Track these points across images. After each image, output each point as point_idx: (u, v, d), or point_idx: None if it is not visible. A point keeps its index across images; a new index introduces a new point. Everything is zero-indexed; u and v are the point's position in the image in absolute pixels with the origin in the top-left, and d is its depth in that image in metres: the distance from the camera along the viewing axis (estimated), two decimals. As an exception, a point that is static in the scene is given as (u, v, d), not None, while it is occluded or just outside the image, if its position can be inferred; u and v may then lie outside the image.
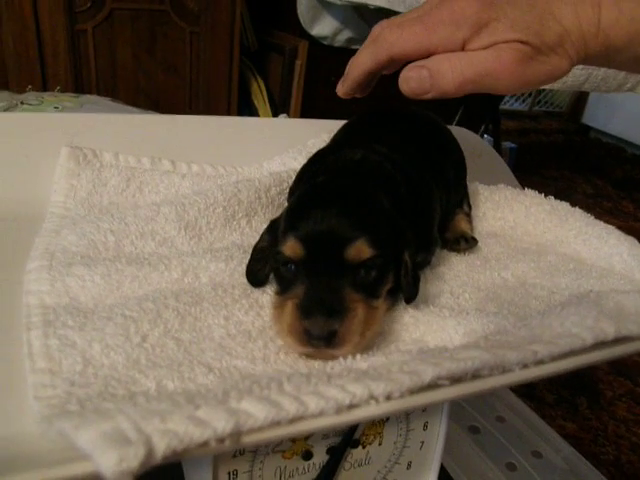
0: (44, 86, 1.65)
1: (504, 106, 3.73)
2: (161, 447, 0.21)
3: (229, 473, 0.46)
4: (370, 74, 0.48)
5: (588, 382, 1.55)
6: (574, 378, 1.55)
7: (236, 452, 0.46)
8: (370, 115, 0.60)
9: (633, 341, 0.33)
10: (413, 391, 0.27)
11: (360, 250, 0.38)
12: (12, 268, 0.44)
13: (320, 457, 0.49)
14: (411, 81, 0.44)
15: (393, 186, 0.47)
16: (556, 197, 0.63)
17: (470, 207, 0.62)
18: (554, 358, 0.30)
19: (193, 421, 0.23)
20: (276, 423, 0.24)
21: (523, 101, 3.81)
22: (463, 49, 0.44)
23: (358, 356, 0.33)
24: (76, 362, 0.33)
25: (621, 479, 1.27)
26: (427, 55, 0.44)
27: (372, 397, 0.26)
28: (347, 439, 0.50)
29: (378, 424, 0.51)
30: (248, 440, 0.24)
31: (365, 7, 1.74)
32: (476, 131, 1.88)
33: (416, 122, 0.60)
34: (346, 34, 2.05)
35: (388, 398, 0.27)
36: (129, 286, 0.43)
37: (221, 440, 0.23)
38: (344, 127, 0.59)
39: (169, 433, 0.22)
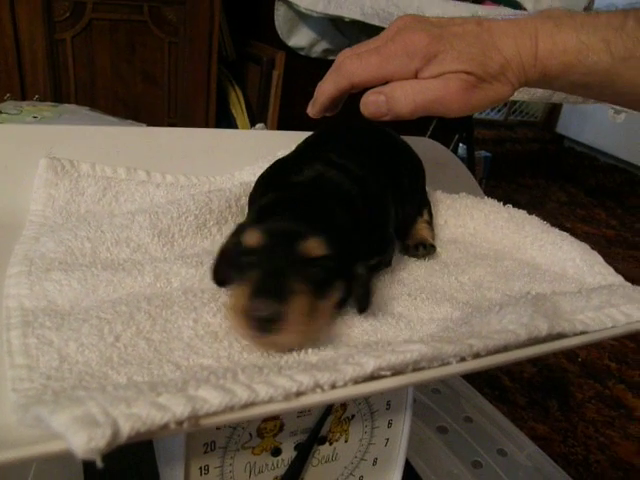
0: (23, 95, 1.65)
1: (480, 116, 3.80)
2: (126, 429, 0.24)
3: (200, 468, 0.48)
4: (334, 99, 0.53)
5: (559, 385, 1.59)
6: (546, 381, 1.59)
7: (207, 448, 0.48)
8: (330, 128, 0.63)
9: (567, 337, 0.37)
10: (357, 381, 0.30)
11: (313, 247, 0.40)
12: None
13: (288, 453, 0.51)
14: (370, 106, 0.50)
15: (349, 198, 0.49)
16: (531, 205, 0.67)
17: (431, 215, 0.65)
18: (490, 352, 0.33)
19: (155, 406, 0.25)
20: (230, 408, 0.27)
21: (499, 111, 3.88)
22: (416, 77, 0.48)
23: (310, 351, 0.36)
24: (53, 359, 0.35)
25: (589, 478, 1.31)
26: (384, 82, 0.49)
27: (318, 386, 0.29)
28: (314, 436, 0.52)
29: (344, 422, 0.53)
30: (204, 423, 0.26)
31: (341, 19, 1.77)
32: (450, 141, 1.93)
33: (372, 135, 0.63)
34: (323, 45, 2.08)
35: (333, 387, 0.29)
36: (104, 290, 0.45)
37: (180, 423, 0.25)
38: (306, 139, 0.62)
39: (133, 416, 0.24)
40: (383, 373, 0.30)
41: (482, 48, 0.47)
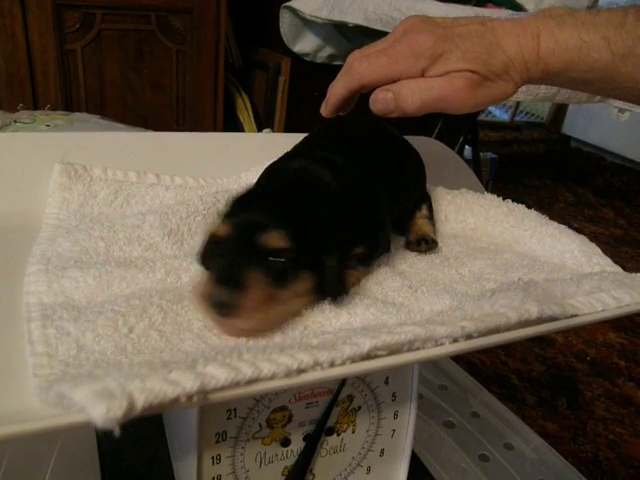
0: (34, 104, 1.68)
1: (486, 117, 3.81)
2: (140, 401, 0.26)
3: (212, 458, 0.50)
4: (346, 99, 0.56)
5: (568, 383, 1.59)
6: (554, 380, 1.59)
7: (219, 438, 0.50)
8: (326, 125, 0.65)
9: (557, 320, 0.38)
10: (354, 360, 0.32)
11: (273, 239, 0.42)
12: (14, 273, 0.48)
13: (297, 444, 0.53)
14: (378, 103, 0.52)
15: (327, 190, 0.51)
16: (538, 206, 0.68)
17: (431, 210, 0.66)
18: (481, 333, 0.35)
19: (167, 381, 0.28)
20: (235, 384, 0.29)
21: (505, 112, 3.88)
22: (423, 76, 0.50)
23: (311, 334, 0.38)
24: (71, 348, 0.37)
25: (599, 475, 1.31)
26: (392, 82, 0.51)
27: (317, 363, 0.31)
28: (322, 427, 0.54)
29: (351, 413, 0.55)
30: (212, 397, 0.29)
31: (345, 25, 1.79)
32: (456, 142, 1.94)
33: (366, 129, 0.65)
34: (327, 51, 2.10)
35: (332, 365, 0.32)
36: (118, 285, 0.47)
37: (190, 397, 0.28)
38: (304, 137, 0.65)
39: (147, 390, 0.26)
40: (379, 353, 0.32)
41: (486, 47, 0.49)
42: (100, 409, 0.25)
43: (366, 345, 0.31)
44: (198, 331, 0.41)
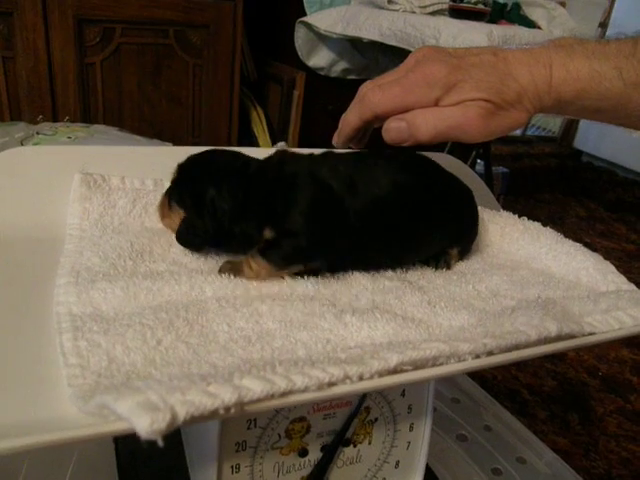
0: (54, 116, 1.72)
1: (498, 131, 3.80)
2: (182, 413, 0.27)
3: (232, 467, 0.51)
4: (359, 129, 0.56)
5: (580, 399, 1.59)
6: (566, 395, 1.59)
7: (239, 447, 0.51)
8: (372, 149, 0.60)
9: (575, 338, 0.40)
10: (381, 374, 0.33)
11: (174, 172, 0.57)
12: (43, 284, 0.49)
13: (315, 454, 0.54)
14: (392, 132, 0.52)
15: (261, 175, 0.54)
16: (549, 220, 0.68)
17: (462, 254, 0.64)
18: (502, 350, 0.36)
19: (206, 394, 0.29)
20: (270, 396, 0.30)
21: (517, 127, 3.87)
22: (436, 105, 0.51)
23: (337, 348, 0.39)
24: (102, 360, 0.38)
25: (611, 492, 1.31)
26: (405, 111, 0.52)
27: (347, 377, 0.32)
28: (339, 438, 0.55)
29: (367, 424, 0.56)
30: (249, 409, 0.30)
31: (359, 40, 1.82)
32: (468, 157, 1.95)
33: (422, 168, 0.59)
34: (342, 65, 2.13)
35: (360, 378, 0.33)
36: (144, 297, 0.48)
37: (227, 409, 0.29)
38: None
39: (188, 402, 0.28)
40: (405, 368, 0.33)
41: (499, 77, 0.50)
42: (145, 421, 0.26)
43: (393, 360, 0.33)
44: (224, 343, 0.42)
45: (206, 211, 0.53)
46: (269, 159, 0.55)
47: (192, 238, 0.55)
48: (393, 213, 0.54)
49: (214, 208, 0.53)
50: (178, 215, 0.56)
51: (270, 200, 0.52)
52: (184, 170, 0.56)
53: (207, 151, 0.57)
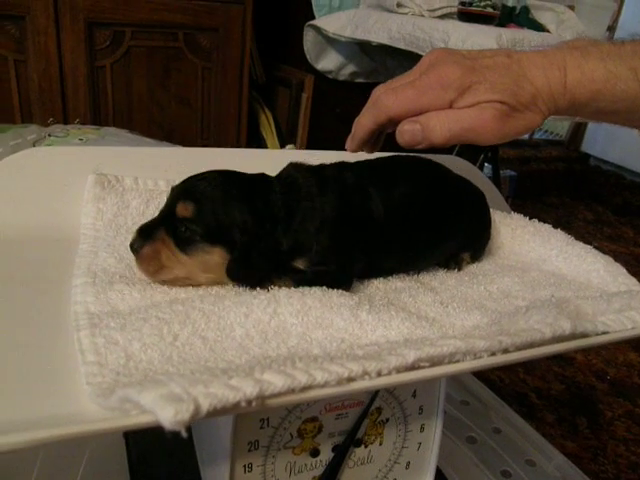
0: (65, 118, 1.73)
1: (505, 135, 3.79)
2: (205, 405, 0.28)
3: (244, 466, 0.51)
4: (373, 133, 0.56)
5: (588, 402, 1.58)
6: (574, 398, 1.58)
7: (251, 447, 0.51)
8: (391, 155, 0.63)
9: (589, 337, 0.40)
10: (399, 370, 0.33)
11: (183, 208, 0.49)
12: (59, 284, 0.50)
13: (326, 455, 0.54)
14: (406, 134, 0.52)
15: (269, 192, 0.52)
16: (557, 224, 0.67)
17: (473, 259, 0.65)
18: (517, 348, 0.36)
19: (228, 387, 0.29)
20: (291, 390, 0.31)
21: (524, 130, 3.86)
22: (450, 107, 0.50)
23: (353, 346, 0.39)
24: (120, 357, 0.38)
25: (621, 497, 1.30)
26: (419, 114, 0.51)
27: (366, 373, 0.33)
28: (351, 438, 0.55)
29: (379, 425, 0.56)
30: (269, 403, 0.30)
31: (368, 43, 1.82)
32: (476, 160, 1.95)
33: (413, 166, 0.61)
34: (350, 68, 2.13)
35: (379, 374, 0.33)
36: (162, 300, 0.48)
37: (249, 402, 0.29)
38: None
39: (211, 395, 0.28)
40: (422, 364, 0.34)
41: (514, 79, 0.50)
42: (169, 412, 0.26)
43: (411, 356, 0.33)
44: (240, 340, 0.42)
45: (261, 241, 0.49)
46: (285, 179, 0.54)
47: (254, 272, 0.51)
48: (412, 223, 0.57)
49: (270, 236, 0.50)
50: (203, 255, 0.49)
51: (300, 229, 0.51)
52: (200, 203, 0.49)
53: (204, 178, 0.51)
